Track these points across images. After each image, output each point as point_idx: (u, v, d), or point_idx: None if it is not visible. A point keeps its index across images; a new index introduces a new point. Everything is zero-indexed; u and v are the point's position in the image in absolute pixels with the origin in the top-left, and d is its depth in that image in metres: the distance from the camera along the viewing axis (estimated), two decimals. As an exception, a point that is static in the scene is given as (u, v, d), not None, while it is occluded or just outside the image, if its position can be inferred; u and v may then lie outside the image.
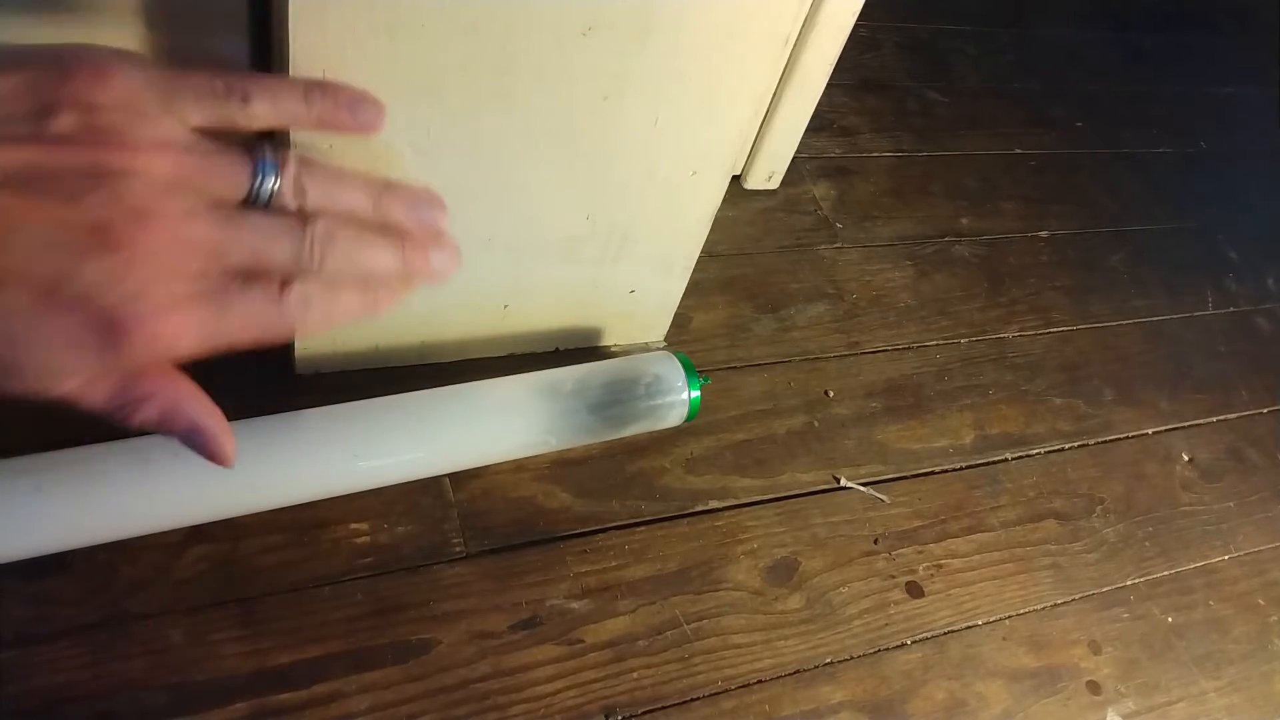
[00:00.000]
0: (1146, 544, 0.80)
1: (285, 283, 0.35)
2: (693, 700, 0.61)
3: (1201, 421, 0.91)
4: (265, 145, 0.36)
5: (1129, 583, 0.77)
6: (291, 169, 0.36)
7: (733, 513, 0.70)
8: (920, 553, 0.72)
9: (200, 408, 0.38)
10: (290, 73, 0.49)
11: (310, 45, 0.49)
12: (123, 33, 0.52)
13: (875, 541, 0.72)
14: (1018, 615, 0.72)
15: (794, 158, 0.92)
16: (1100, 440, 0.86)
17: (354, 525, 0.61)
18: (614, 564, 0.65)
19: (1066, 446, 0.84)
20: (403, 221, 0.39)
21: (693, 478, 0.71)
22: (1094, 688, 0.70)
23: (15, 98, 0.30)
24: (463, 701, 0.57)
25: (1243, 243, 1.12)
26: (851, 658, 0.66)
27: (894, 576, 0.71)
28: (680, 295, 0.75)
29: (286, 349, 0.66)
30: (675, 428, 0.71)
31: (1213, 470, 0.88)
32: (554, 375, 0.65)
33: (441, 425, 0.62)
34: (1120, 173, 1.15)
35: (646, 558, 0.66)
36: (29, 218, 0.30)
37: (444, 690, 0.57)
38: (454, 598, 0.60)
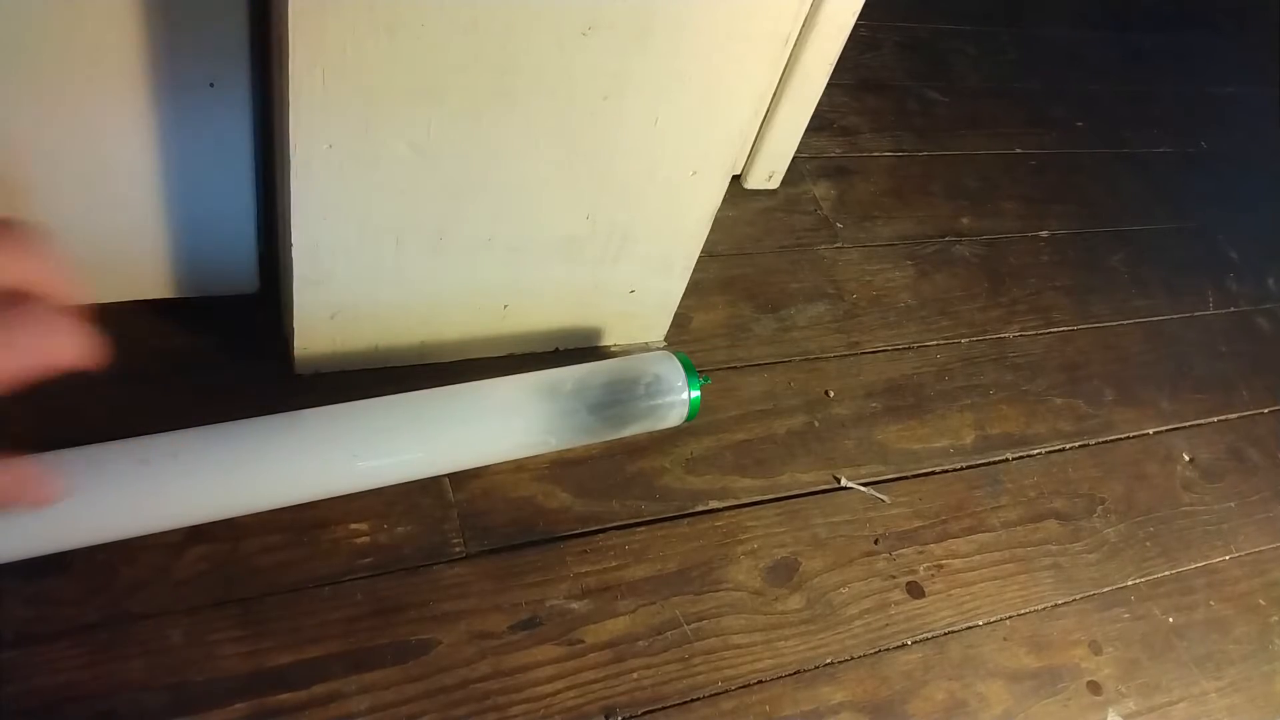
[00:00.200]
0: (1147, 544, 0.80)
1: None
2: (693, 700, 0.61)
3: (1202, 421, 0.91)
4: None
5: (1130, 583, 0.77)
6: None
7: (733, 513, 0.70)
8: (921, 553, 0.72)
9: None
10: (290, 72, 0.49)
11: (310, 45, 0.49)
12: (123, 31, 0.52)
13: (875, 542, 0.72)
14: (1018, 615, 0.72)
15: (794, 158, 0.92)
16: (1101, 440, 0.86)
17: (354, 525, 0.61)
18: (614, 564, 0.65)
19: (1067, 446, 0.84)
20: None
21: (693, 478, 0.71)
22: (1095, 688, 0.70)
23: None
24: (463, 702, 0.57)
25: (1243, 243, 1.12)
26: (852, 658, 0.66)
27: (894, 577, 0.71)
28: (680, 295, 0.75)
29: (286, 349, 0.66)
30: (675, 428, 0.71)
31: (1213, 470, 0.88)
32: (554, 375, 0.65)
33: (441, 425, 0.62)
34: (1120, 173, 1.15)
35: (646, 558, 0.66)
36: None
37: (444, 690, 0.57)
38: (454, 598, 0.60)
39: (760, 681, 0.63)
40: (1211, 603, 0.78)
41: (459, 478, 0.65)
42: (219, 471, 0.56)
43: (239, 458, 0.56)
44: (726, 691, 0.61)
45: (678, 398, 0.67)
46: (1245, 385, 0.96)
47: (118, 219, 0.61)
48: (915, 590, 0.70)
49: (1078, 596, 0.74)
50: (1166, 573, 0.79)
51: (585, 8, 0.52)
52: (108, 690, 0.52)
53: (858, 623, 0.67)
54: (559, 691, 0.58)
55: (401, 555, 0.61)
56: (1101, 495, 0.81)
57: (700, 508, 0.70)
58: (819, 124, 0.95)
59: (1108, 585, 0.76)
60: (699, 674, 0.62)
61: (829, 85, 0.86)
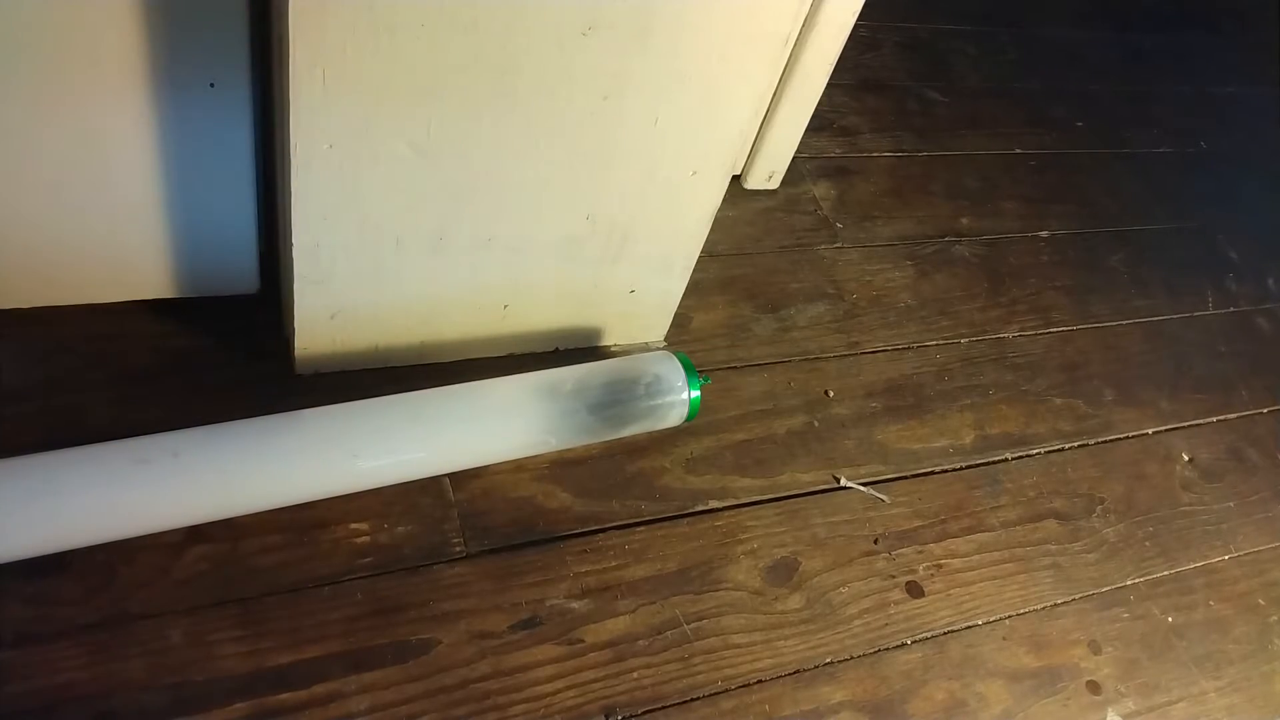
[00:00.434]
0: (1146, 544, 0.80)
1: None
2: (693, 700, 0.61)
3: (1201, 421, 0.91)
4: None
5: (1129, 583, 0.77)
6: None
7: (733, 513, 0.70)
8: (920, 553, 0.72)
9: None
10: (291, 72, 0.49)
11: (310, 45, 0.49)
12: (124, 31, 0.52)
13: (875, 541, 0.72)
14: (1018, 615, 0.72)
15: (794, 158, 0.92)
16: (1100, 440, 0.86)
17: (354, 525, 0.61)
18: (614, 564, 0.65)
19: (1067, 446, 0.84)
20: None
21: (693, 478, 0.71)
22: (1094, 688, 0.70)
23: None
24: (463, 701, 0.57)
25: (1243, 243, 1.12)
26: (851, 658, 0.66)
27: (894, 576, 0.71)
28: (680, 295, 0.75)
29: (287, 349, 0.66)
30: (675, 428, 0.71)
31: (1213, 470, 0.88)
32: (554, 375, 0.65)
33: (441, 425, 0.62)
34: (1120, 173, 1.15)
35: (646, 558, 0.66)
36: None
37: (444, 690, 0.57)
38: (454, 598, 0.60)
39: (760, 681, 0.63)
40: (1211, 602, 0.78)
41: (459, 477, 0.65)
42: (219, 471, 0.56)
43: (239, 457, 0.57)
44: (726, 691, 0.62)
45: (678, 398, 0.67)
46: (1245, 385, 0.96)
47: (118, 219, 0.61)
48: (915, 590, 0.70)
49: (1077, 596, 0.74)
50: (1166, 572, 0.79)
51: (585, 8, 0.52)
52: (108, 690, 0.52)
53: (857, 622, 0.67)
54: (559, 691, 0.58)
55: (401, 555, 0.61)
56: (1101, 495, 0.82)
57: (700, 507, 0.70)
58: (819, 124, 0.95)
59: (1107, 585, 0.76)
60: (699, 673, 0.62)
61: (829, 85, 0.86)
